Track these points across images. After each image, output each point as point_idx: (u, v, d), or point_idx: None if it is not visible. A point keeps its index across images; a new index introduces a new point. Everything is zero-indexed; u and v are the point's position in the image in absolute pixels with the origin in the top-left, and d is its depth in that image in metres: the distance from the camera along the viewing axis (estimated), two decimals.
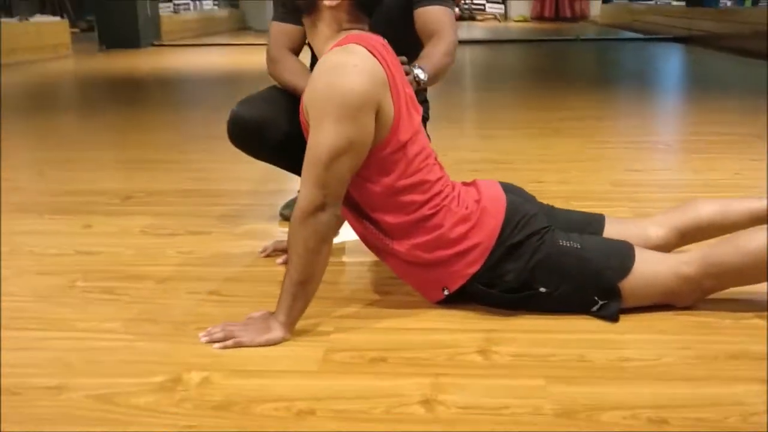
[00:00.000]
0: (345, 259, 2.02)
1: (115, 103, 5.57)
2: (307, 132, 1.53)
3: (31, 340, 1.53)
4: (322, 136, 1.42)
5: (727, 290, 1.59)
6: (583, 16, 19.00)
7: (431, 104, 2.34)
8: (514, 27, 16.11)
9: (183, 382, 1.33)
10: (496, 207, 1.59)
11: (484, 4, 20.14)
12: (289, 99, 2.02)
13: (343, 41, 1.50)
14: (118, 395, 1.28)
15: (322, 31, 1.56)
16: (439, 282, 1.59)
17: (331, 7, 1.52)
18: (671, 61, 8.38)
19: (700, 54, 8.57)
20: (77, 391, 1.30)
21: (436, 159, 1.64)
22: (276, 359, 1.41)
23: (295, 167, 1.73)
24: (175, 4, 17.33)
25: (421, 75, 1.84)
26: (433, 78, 1.93)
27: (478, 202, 1.60)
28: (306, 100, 1.49)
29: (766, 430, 1.15)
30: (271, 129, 2.01)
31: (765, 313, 1.56)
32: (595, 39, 11.35)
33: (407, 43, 2.05)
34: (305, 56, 2.01)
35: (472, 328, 1.52)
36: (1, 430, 1.10)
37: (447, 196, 1.59)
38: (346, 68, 1.43)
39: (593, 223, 1.75)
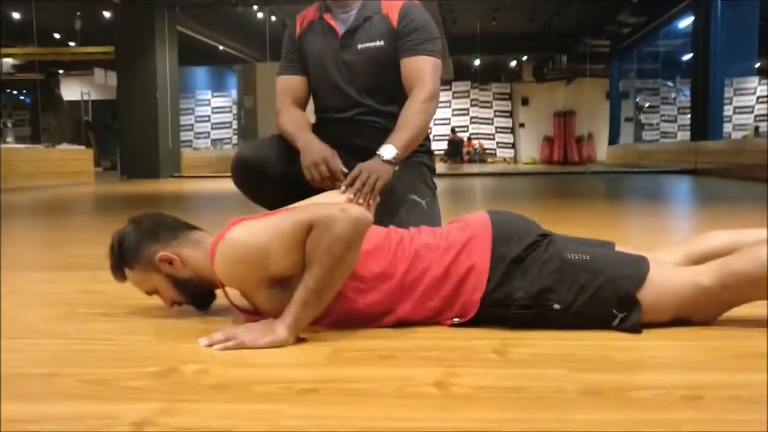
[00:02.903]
0: None
1: (135, 210, 5.65)
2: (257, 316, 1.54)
3: (29, 344, 1.46)
4: (277, 230, 1.42)
5: (746, 313, 1.51)
6: (591, 160, 19.60)
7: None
8: (524, 167, 16.55)
9: (179, 371, 1.25)
10: (481, 225, 1.55)
11: (494, 150, 20.87)
12: (287, 144, 2.11)
13: (212, 250, 1.48)
14: (110, 380, 1.20)
15: (205, 269, 1.54)
16: (453, 315, 1.52)
17: (186, 267, 1.56)
18: (677, 186, 8.52)
19: (706, 181, 8.71)
20: (70, 377, 1.22)
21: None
22: (279, 355, 1.34)
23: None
24: (194, 141, 17.98)
25: (388, 154, 1.90)
26: (409, 146, 1.99)
27: (462, 229, 1.57)
28: (249, 275, 1.46)
29: None
30: (271, 167, 2.09)
31: None
32: (603, 172, 11.62)
33: (396, 87, 2.13)
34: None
35: (487, 336, 1.44)
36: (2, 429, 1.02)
37: (412, 239, 1.55)
38: (225, 247, 1.45)
39: (604, 247, 1.70)
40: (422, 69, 2.10)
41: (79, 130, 12.88)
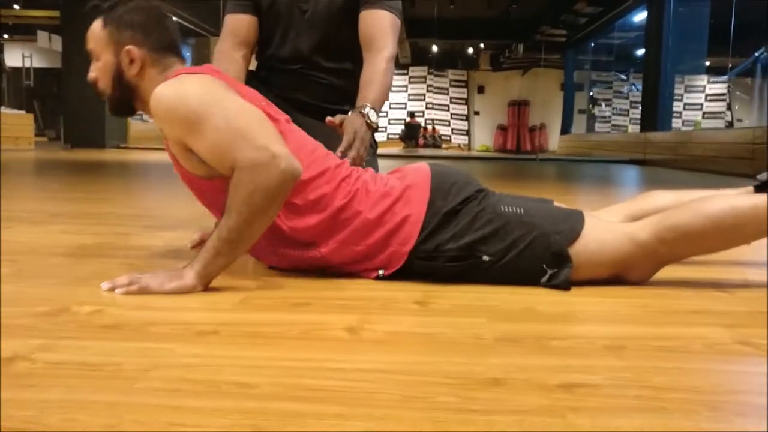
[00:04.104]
0: None
1: (73, 175, 5.43)
2: (178, 166, 1.44)
3: None
4: (216, 124, 1.30)
5: (682, 276, 1.48)
6: (542, 149, 19.79)
7: None
8: (478, 154, 16.60)
9: (71, 311, 1.15)
10: (420, 176, 1.48)
11: (450, 136, 20.90)
12: None
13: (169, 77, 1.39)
14: None
15: (149, 86, 1.42)
16: (379, 268, 1.44)
17: (138, 76, 1.44)
18: (625, 173, 8.61)
19: (653, 170, 8.83)
20: None
21: (327, 154, 1.52)
22: (186, 300, 1.24)
23: None
24: (144, 114, 17.47)
25: (374, 117, 1.79)
26: (381, 107, 1.89)
27: (401, 178, 1.50)
28: (174, 135, 1.36)
29: (735, 357, 1.01)
30: None
31: (726, 289, 1.44)
32: (553, 159, 11.71)
33: (351, 43, 2.03)
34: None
35: (410, 289, 1.37)
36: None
37: (358, 178, 1.47)
38: (180, 81, 1.35)
39: (542, 202, 1.64)
40: (384, 25, 1.99)
41: (22, 97, 12.37)
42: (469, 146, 20.56)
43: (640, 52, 14.31)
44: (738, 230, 1.40)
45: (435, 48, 19.65)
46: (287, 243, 1.43)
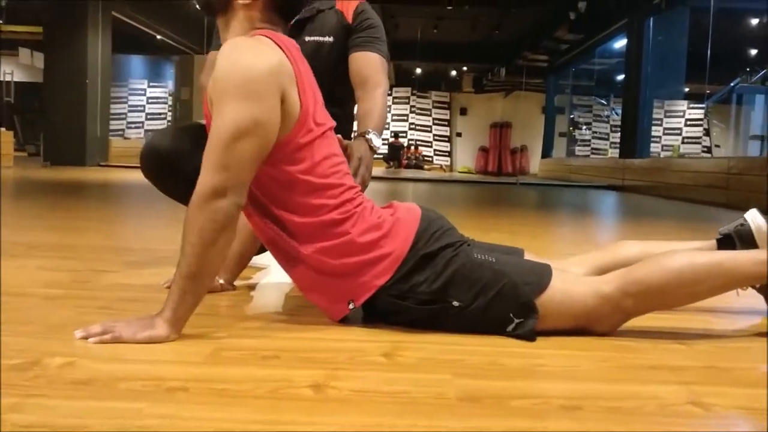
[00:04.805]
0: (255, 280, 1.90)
1: (51, 197, 5.41)
2: (206, 103, 1.48)
3: None
4: (224, 115, 1.35)
5: (646, 325, 1.53)
6: (523, 172, 19.97)
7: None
8: (459, 176, 16.72)
9: (42, 364, 1.17)
10: (411, 216, 1.53)
11: (432, 157, 21.04)
12: (205, 133, 1.98)
13: (251, 35, 1.47)
14: None
15: (234, 29, 1.50)
16: (345, 295, 1.48)
17: (245, 6, 1.49)
18: (602, 200, 8.72)
19: (631, 198, 8.95)
20: None
21: (347, 173, 1.58)
22: (158, 350, 1.27)
23: None
24: (126, 131, 17.45)
25: (376, 141, 1.86)
26: (380, 135, 1.97)
27: (392, 214, 1.54)
28: (210, 87, 1.42)
29: (685, 420, 1.05)
30: (184, 160, 1.94)
31: (686, 341, 1.49)
32: (534, 183, 11.81)
33: (339, 85, 2.08)
34: None
35: (378, 339, 1.40)
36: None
37: (360, 204, 1.52)
38: (250, 49, 1.39)
39: (513, 253, 1.70)
40: (376, 64, 2.07)
41: (2, 112, 12.30)
42: (451, 167, 20.71)
43: (620, 77, 14.53)
44: (697, 286, 1.46)
45: (418, 70, 19.82)
46: (274, 220, 1.48)
